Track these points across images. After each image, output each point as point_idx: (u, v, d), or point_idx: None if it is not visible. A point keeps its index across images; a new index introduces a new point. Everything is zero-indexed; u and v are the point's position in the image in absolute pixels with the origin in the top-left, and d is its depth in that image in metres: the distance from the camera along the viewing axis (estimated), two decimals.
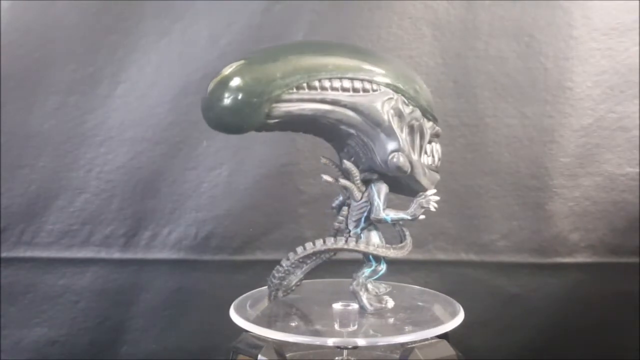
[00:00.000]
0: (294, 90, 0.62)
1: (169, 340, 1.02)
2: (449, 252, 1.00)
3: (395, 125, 0.65)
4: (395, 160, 0.65)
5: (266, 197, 0.99)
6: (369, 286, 0.70)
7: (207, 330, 0.99)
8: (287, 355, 0.66)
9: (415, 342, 0.62)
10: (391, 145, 0.65)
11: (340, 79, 0.63)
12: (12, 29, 0.96)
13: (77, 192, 0.99)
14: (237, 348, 0.64)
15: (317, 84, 0.63)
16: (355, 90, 0.64)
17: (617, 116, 0.98)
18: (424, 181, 0.68)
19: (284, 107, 0.62)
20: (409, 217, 0.68)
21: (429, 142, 0.69)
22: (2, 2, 0.95)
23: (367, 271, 0.68)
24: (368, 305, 0.67)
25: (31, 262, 1.00)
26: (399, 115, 0.65)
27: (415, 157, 0.66)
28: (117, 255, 1.00)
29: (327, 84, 0.63)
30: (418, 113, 0.67)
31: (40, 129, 0.98)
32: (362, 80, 0.64)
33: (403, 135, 0.65)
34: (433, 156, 0.70)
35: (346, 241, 0.67)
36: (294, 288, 0.71)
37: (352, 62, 0.64)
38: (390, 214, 0.67)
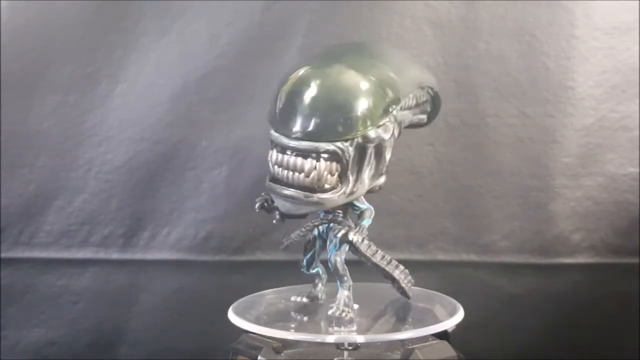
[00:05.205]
0: None
1: (168, 341, 1.01)
2: (449, 253, 1.00)
3: None
4: None
5: None
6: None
7: (206, 331, 0.98)
8: (287, 357, 0.66)
9: (415, 341, 0.62)
10: None
11: None
12: (11, 28, 0.96)
13: (76, 192, 0.99)
14: (237, 349, 0.64)
15: None
16: None
17: (619, 116, 0.98)
18: None
19: None
20: None
21: None
22: (1, 1, 0.95)
23: None
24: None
25: (30, 263, 1.00)
26: None
27: None
28: (116, 255, 1.00)
29: None
30: None
31: (39, 128, 0.98)
32: None
33: None
34: None
35: None
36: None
37: None
38: None
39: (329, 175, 0.61)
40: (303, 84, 0.62)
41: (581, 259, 0.99)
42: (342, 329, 0.63)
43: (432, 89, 0.70)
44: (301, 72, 0.63)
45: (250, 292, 0.74)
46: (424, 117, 0.72)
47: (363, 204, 0.66)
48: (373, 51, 0.70)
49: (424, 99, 0.69)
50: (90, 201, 0.99)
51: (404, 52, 0.81)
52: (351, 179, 0.61)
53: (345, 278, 0.65)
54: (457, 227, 0.99)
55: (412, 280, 0.70)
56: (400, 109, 0.64)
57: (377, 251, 0.67)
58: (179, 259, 1.00)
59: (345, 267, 0.65)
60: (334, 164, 0.61)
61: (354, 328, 0.63)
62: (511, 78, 0.97)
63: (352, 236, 0.63)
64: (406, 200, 0.99)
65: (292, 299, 0.70)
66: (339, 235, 0.64)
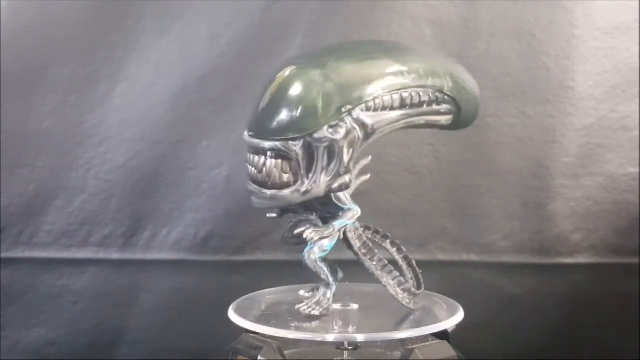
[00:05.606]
0: None
1: (168, 341, 1.01)
2: (449, 253, 1.00)
3: None
4: None
5: None
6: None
7: (206, 331, 0.98)
8: (287, 357, 0.66)
9: (415, 341, 0.62)
10: None
11: None
12: (11, 28, 0.96)
13: (76, 192, 0.99)
14: (237, 349, 0.64)
15: None
16: None
17: (619, 116, 0.98)
18: None
19: None
20: None
21: None
22: (1, 1, 0.95)
23: None
24: None
25: (30, 263, 1.00)
26: None
27: None
28: (116, 255, 1.00)
29: None
30: None
31: (39, 128, 0.98)
32: None
33: None
34: None
35: None
36: None
37: None
38: None
39: (282, 173, 0.62)
40: (266, 83, 0.63)
41: (581, 259, 0.99)
42: (342, 328, 0.63)
43: (441, 90, 0.65)
44: (273, 72, 0.63)
45: (250, 292, 0.74)
46: (439, 118, 0.67)
47: (346, 204, 0.64)
48: (367, 50, 0.67)
49: (423, 99, 0.64)
50: (90, 201, 0.99)
51: (415, 49, 0.76)
52: (305, 177, 0.61)
53: (324, 277, 0.64)
54: (457, 227, 0.99)
55: (412, 289, 0.68)
56: (367, 109, 0.62)
57: (376, 254, 0.67)
58: (179, 259, 1.00)
59: (322, 266, 0.63)
60: (284, 162, 0.61)
61: (354, 327, 0.63)
62: (511, 78, 0.97)
63: (307, 234, 0.63)
64: (406, 200, 0.99)
65: (300, 292, 0.70)
66: (295, 232, 0.64)
